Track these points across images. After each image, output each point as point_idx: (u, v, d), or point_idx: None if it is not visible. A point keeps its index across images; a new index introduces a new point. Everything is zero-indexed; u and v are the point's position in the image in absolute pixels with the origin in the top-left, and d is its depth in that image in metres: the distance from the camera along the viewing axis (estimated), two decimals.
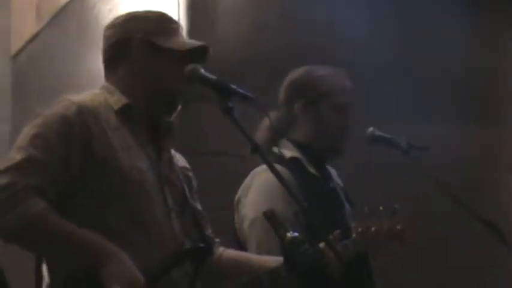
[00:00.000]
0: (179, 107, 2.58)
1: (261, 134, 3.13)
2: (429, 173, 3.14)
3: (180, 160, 2.71)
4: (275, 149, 3.14)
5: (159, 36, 2.56)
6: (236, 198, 3.12)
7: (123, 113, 2.50)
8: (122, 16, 2.63)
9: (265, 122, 3.18)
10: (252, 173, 3.09)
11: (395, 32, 4.74)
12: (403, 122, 4.34)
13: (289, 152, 3.14)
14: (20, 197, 2.26)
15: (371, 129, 3.29)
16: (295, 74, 3.26)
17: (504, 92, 5.24)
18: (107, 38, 2.61)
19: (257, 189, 3.03)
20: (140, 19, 2.60)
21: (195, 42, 2.61)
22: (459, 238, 4.62)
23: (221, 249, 2.70)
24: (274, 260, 2.56)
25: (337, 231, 2.64)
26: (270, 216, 2.33)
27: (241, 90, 2.44)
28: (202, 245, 2.52)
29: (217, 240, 2.70)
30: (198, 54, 2.58)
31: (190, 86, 2.52)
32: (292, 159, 3.12)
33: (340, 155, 3.23)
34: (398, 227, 2.79)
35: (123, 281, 2.24)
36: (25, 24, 6.52)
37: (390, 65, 4.65)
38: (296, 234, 2.28)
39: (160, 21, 2.61)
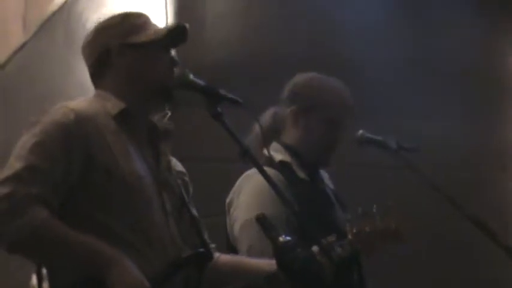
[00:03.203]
0: (174, 97, 2.58)
1: (253, 135, 3.13)
2: (420, 173, 3.15)
3: (176, 164, 2.72)
4: (265, 152, 3.14)
5: (131, 35, 2.56)
6: (228, 200, 3.12)
7: (121, 117, 2.50)
8: (91, 33, 2.64)
9: (265, 115, 3.21)
10: (244, 175, 3.09)
11: (396, 29, 4.77)
12: (399, 118, 4.38)
13: (279, 155, 3.14)
14: (22, 206, 2.26)
15: (361, 131, 3.29)
16: (300, 77, 3.25)
17: (503, 91, 5.27)
18: (87, 57, 2.63)
19: (248, 192, 3.03)
20: (108, 27, 2.62)
21: (166, 27, 2.62)
22: (455, 238, 4.63)
23: (217, 254, 2.71)
24: (268, 263, 2.56)
25: (332, 236, 2.64)
26: (261, 220, 2.33)
27: (230, 95, 2.45)
28: (202, 250, 2.53)
29: (213, 245, 2.70)
30: (176, 36, 2.60)
31: (180, 89, 2.52)
32: (282, 163, 3.12)
33: (326, 167, 3.24)
34: (393, 226, 2.79)
35: (129, 286, 2.25)
36: (12, 34, 6.50)
37: (388, 63, 4.67)
38: (288, 238, 2.28)
39: (127, 21, 2.61)
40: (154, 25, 2.64)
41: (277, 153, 3.14)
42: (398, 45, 4.76)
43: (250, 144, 3.00)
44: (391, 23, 4.77)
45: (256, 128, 3.14)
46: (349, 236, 2.74)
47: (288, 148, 3.16)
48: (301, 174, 3.14)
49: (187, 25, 2.61)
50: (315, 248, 2.54)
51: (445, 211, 3.32)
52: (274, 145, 3.18)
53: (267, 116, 3.24)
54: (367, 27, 4.67)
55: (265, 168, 2.75)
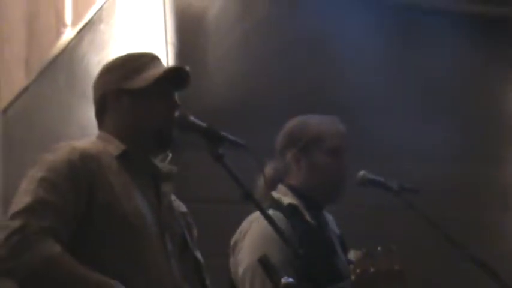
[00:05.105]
0: (173, 140, 2.58)
1: (261, 179, 3.14)
2: (422, 214, 3.15)
3: (180, 205, 2.71)
4: (274, 194, 3.15)
5: (129, 79, 2.56)
6: (233, 241, 3.13)
7: (123, 158, 2.52)
8: (97, 74, 2.66)
9: (267, 168, 3.20)
10: (250, 217, 3.09)
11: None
12: (399, 158, 4.37)
13: (287, 198, 3.15)
14: (34, 239, 2.26)
15: (362, 172, 3.29)
16: (288, 124, 3.28)
17: (503, 131, 5.29)
18: (93, 95, 2.65)
19: (254, 235, 3.03)
20: (109, 70, 2.63)
21: (163, 69, 2.60)
22: (454, 279, 4.61)
23: None
24: None
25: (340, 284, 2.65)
26: (264, 262, 2.32)
27: (231, 137, 2.46)
28: None
29: None
30: (177, 79, 2.59)
31: (181, 131, 2.53)
32: (291, 206, 3.12)
33: (337, 201, 3.23)
34: (396, 267, 2.78)
35: None
36: (14, 77, 6.53)
37: (388, 104, 4.69)
38: (290, 279, 2.27)
39: (127, 64, 2.61)
40: (155, 66, 2.62)
41: (285, 196, 3.16)
42: (396, 89, 4.78)
43: (258, 187, 3.02)
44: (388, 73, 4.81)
45: (266, 170, 3.17)
46: (352, 277, 2.74)
47: (294, 190, 3.17)
48: (309, 217, 3.14)
49: (187, 68, 2.61)
50: None
51: (446, 251, 3.31)
52: (281, 188, 3.19)
53: (268, 169, 3.24)
54: (368, 71, 4.69)
55: (271, 211, 2.75)
